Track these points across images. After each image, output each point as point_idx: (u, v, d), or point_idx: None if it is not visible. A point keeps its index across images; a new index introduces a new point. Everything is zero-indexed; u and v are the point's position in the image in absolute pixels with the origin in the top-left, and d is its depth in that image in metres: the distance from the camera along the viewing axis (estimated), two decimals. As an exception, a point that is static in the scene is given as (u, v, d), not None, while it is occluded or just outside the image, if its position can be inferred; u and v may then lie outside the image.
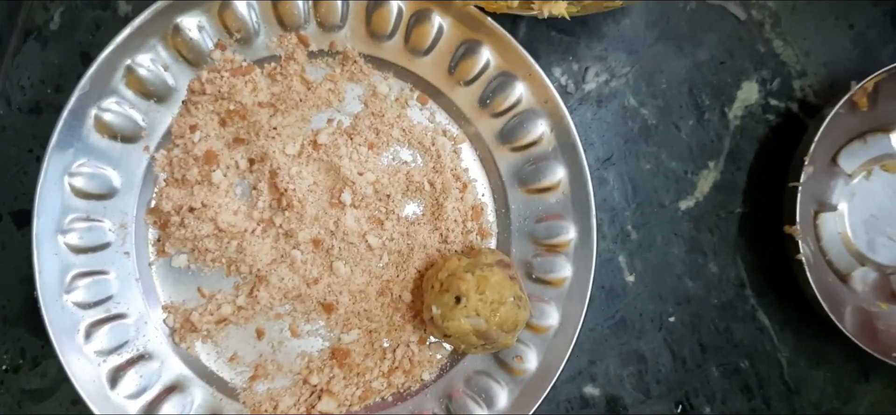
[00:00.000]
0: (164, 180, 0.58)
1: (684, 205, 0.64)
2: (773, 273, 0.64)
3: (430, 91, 0.60)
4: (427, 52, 0.59)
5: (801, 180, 0.58)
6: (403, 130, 0.60)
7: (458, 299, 0.53)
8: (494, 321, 0.53)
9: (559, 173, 0.59)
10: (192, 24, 0.57)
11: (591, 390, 0.63)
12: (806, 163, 0.58)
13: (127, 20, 0.55)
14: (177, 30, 0.56)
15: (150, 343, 0.57)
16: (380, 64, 0.60)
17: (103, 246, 0.56)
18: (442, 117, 0.61)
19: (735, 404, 0.64)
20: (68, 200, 0.55)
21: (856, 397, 0.65)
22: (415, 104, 0.61)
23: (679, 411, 0.63)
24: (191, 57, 0.57)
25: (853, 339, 0.59)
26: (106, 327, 0.55)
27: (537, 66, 0.57)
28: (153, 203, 0.58)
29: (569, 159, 0.58)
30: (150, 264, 0.58)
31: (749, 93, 0.64)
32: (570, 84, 0.63)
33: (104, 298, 0.56)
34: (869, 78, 0.59)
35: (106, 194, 0.56)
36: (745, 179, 0.64)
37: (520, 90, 0.58)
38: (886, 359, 0.60)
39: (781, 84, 0.64)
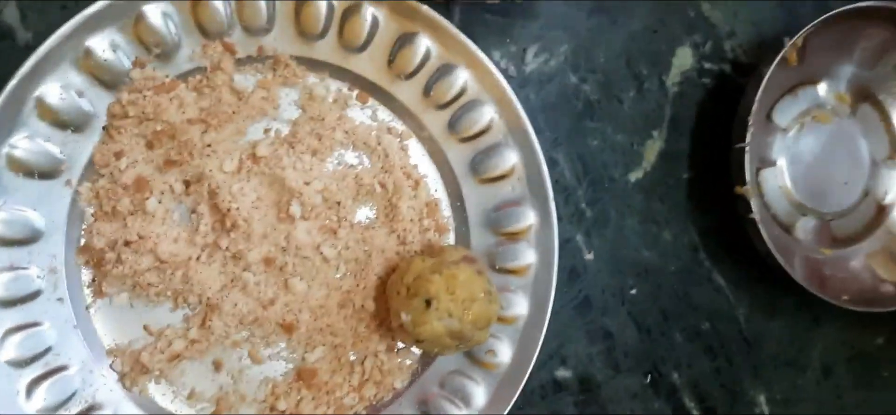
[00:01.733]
0: (93, 215, 0.53)
1: (634, 177, 0.64)
2: (723, 234, 0.65)
3: (369, 88, 0.58)
4: (363, 48, 0.56)
5: (748, 140, 0.59)
6: (346, 131, 0.57)
7: (428, 303, 0.51)
8: (468, 320, 0.51)
9: (512, 159, 0.58)
10: (104, 44, 0.52)
11: (563, 372, 0.62)
12: (750, 122, 0.59)
13: (29, 49, 0.50)
14: (88, 52, 0.52)
15: (99, 392, 0.53)
16: (314, 65, 0.57)
17: (33, 295, 0.52)
18: (385, 114, 0.58)
19: (701, 366, 0.65)
20: (-14, 250, 0.50)
21: (810, 343, 0.67)
22: (355, 104, 0.58)
23: (648, 380, 0.64)
24: (107, 79, 0.53)
25: (808, 288, 0.60)
26: (47, 383, 0.51)
27: (480, 52, 0.55)
28: (83, 241, 0.53)
29: (520, 144, 0.57)
30: (87, 308, 0.54)
31: (684, 59, 0.65)
32: (511, 67, 0.62)
33: (41, 351, 0.51)
34: (801, 33, 0.60)
35: (29, 238, 0.52)
36: (688, 145, 0.65)
37: (463, 78, 0.57)
38: (838, 303, 0.62)
39: (713, 47, 0.65)
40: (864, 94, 0.67)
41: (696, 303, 0.65)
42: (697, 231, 0.65)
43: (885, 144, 0.67)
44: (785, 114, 0.66)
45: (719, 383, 0.65)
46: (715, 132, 0.64)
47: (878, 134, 0.67)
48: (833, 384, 0.67)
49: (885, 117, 0.67)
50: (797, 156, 0.66)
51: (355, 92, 0.58)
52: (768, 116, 0.66)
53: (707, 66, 0.65)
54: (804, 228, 0.67)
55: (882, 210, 0.67)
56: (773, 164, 0.66)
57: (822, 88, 0.67)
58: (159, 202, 0.54)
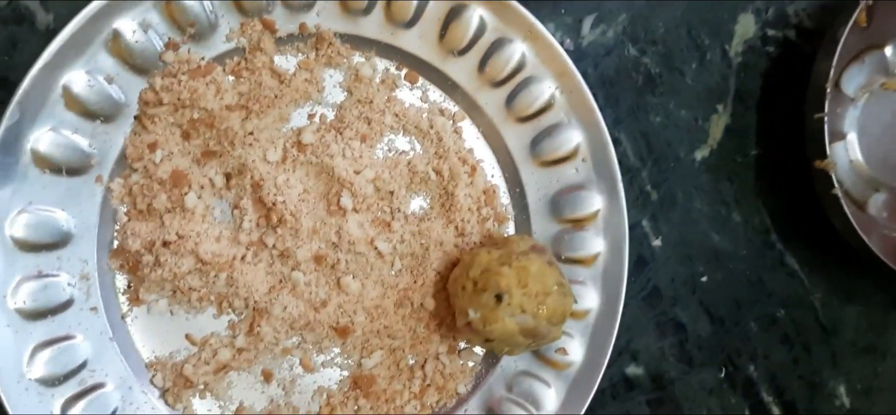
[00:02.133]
0: (126, 214, 0.49)
1: (700, 155, 0.60)
2: (795, 213, 0.61)
3: (419, 67, 0.53)
4: (411, 23, 0.52)
5: (827, 110, 0.55)
6: (396, 114, 0.53)
7: (498, 298, 0.46)
8: (543, 315, 0.47)
9: (575, 139, 0.53)
10: (133, 24, 0.48)
11: (634, 369, 0.58)
12: (828, 90, 0.55)
13: (51, 33, 0.46)
14: (116, 35, 0.47)
15: (141, 410, 0.48)
16: (359, 43, 0.52)
17: (64, 305, 0.48)
18: (436, 94, 0.54)
19: (777, 357, 0.61)
20: (12, 257, 0.46)
21: (889, 327, 0.63)
22: (404, 84, 0.54)
23: (723, 374, 0.60)
24: (139, 63, 0.48)
25: (891, 266, 0.56)
26: (83, 402, 0.47)
27: (538, 23, 0.51)
28: (116, 243, 0.49)
29: (584, 122, 0.53)
30: (123, 317, 0.50)
31: (746, 26, 0.61)
32: (567, 40, 0.57)
33: (75, 367, 0.47)
34: (874, -8, 0.56)
35: (57, 242, 0.47)
36: (755, 118, 0.61)
37: (520, 52, 0.52)
38: (921, 284, 0.58)
39: (776, 12, 0.61)
40: (933, 59, 0.63)
41: (769, 289, 0.61)
42: (768, 212, 0.61)
43: (956, 111, 0.63)
44: (852, 82, 0.61)
45: (798, 374, 0.61)
46: (782, 104, 0.60)
47: (949, 100, 0.63)
48: (913, 371, 0.64)
49: (956, 81, 0.63)
50: (866, 127, 0.62)
51: (404, 71, 0.54)
52: (836, 85, 0.62)
53: (771, 33, 0.61)
54: (876, 204, 0.62)
55: (958, 182, 0.63)
56: (842, 137, 0.62)
57: (888, 51, 0.62)
58: (199, 198, 0.49)
